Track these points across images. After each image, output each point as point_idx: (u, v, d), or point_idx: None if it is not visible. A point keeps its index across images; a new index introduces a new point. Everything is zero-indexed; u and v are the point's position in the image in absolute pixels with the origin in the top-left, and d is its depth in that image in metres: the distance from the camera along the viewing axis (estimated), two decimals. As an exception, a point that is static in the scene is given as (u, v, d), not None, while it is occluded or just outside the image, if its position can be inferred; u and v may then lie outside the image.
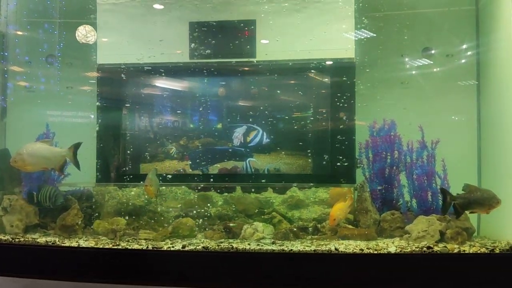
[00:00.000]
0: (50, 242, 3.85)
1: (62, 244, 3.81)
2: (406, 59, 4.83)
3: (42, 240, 3.89)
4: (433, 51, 4.78)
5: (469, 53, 4.73)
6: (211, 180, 4.63)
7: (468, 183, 3.67)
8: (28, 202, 4.24)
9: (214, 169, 4.71)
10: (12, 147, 4.60)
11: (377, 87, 4.68)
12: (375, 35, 4.66)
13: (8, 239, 3.92)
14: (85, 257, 3.70)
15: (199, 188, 4.64)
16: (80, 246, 3.77)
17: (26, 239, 3.92)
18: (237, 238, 4.01)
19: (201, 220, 4.33)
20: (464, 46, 4.76)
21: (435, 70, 4.79)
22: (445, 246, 3.54)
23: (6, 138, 5.14)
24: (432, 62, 4.78)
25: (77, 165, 4.04)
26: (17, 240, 3.90)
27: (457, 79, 4.73)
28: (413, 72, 4.81)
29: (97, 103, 4.78)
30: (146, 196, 4.50)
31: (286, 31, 4.59)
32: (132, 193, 4.72)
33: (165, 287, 3.51)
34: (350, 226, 4.10)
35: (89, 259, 3.68)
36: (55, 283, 3.64)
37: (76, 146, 4.00)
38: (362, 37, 4.63)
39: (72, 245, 3.78)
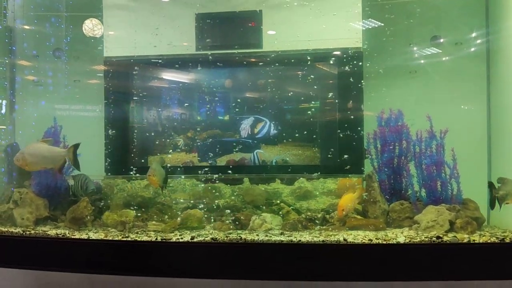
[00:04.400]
0: (61, 234, 3.88)
1: (72, 237, 3.84)
2: (415, 48, 4.78)
3: (52, 232, 3.93)
4: (441, 40, 4.72)
5: (478, 41, 4.67)
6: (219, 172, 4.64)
7: (504, 176, 3.70)
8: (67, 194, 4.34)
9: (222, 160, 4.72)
10: (21, 141, 4.63)
11: (385, 76, 4.64)
12: (382, 24, 4.62)
13: (19, 231, 3.96)
14: (95, 249, 3.73)
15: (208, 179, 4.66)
16: (90, 238, 3.80)
17: (37, 232, 3.95)
18: (245, 229, 4.02)
19: (208, 211, 4.35)
20: (474, 34, 4.69)
21: (444, 58, 4.72)
22: (455, 236, 3.52)
23: (15, 132, 5.18)
24: (441, 51, 4.72)
25: (76, 165, 4.02)
26: (28, 232, 3.94)
27: (466, 67, 4.67)
28: (422, 61, 4.77)
29: (104, 96, 4.80)
30: (154, 188, 4.51)
31: (292, 21, 4.56)
32: (141, 185, 4.74)
33: (174, 278, 3.54)
34: (359, 217, 4.08)
35: (98, 251, 3.72)
36: (66, 275, 3.67)
37: (76, 146, 3.96)
38: (370, 27, 4.58)
39: (82, 237, 3.81)
